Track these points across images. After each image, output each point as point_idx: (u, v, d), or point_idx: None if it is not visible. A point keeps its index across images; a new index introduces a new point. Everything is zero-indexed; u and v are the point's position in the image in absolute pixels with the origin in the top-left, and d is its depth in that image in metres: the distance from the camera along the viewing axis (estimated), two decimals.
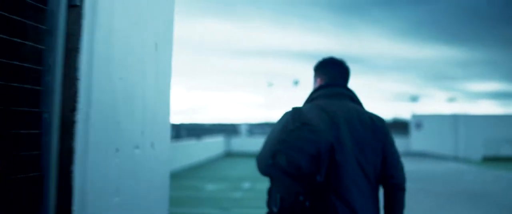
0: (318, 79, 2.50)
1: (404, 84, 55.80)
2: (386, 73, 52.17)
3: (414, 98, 36.14)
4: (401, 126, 34.10)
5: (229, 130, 33.00)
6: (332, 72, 2.46)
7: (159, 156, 2.28)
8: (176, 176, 14.45)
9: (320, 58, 2.54)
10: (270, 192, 2.11)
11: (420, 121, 28.95)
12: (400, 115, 45.04)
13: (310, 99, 2.43)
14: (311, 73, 2.59)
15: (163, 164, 2.35)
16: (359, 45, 47.66)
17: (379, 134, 2.28)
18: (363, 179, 2.20)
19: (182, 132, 24.89)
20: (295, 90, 30.68)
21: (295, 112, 2.20)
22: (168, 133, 2.45)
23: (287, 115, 2.24)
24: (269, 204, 2.10)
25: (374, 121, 2.31)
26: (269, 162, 2.07)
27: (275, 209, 2.04)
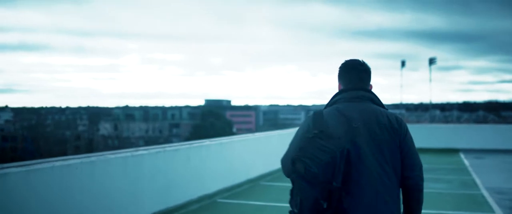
0: (339, 84, 2.59)
1: None
2: None
3: None
4: None
5: None
6: (350, 76, 2.55)
7: None
8: None
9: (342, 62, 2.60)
10: (292, 192, 2.27)
11: None
12: None
13: (331, 103, 2.52)
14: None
15: None
16: (475, 21, 42.53)
17: (396, 134, 2.39)
18: (383, 180, 2.32)
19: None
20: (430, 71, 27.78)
21: (315, 117, 2.37)
22: None
23: (308, 119, 2.41)
24: (291, 204, 2.27)
25: (391, 121, 2.41)
26: (290, 167, 2.25)
27: (296, 210, 2.23)
